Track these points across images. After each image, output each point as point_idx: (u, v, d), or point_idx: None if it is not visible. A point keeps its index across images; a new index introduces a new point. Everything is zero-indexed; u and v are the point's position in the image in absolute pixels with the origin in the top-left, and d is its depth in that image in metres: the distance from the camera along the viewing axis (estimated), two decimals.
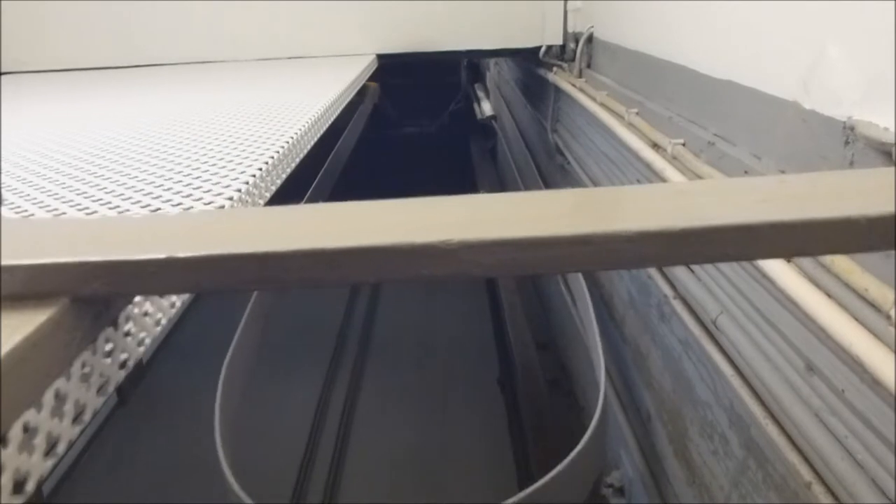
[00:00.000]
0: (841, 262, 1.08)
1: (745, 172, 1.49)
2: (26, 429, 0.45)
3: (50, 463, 0.47)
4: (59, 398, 0.48)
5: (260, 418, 4.01)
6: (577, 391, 3.46)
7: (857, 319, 1.04)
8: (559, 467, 1.48)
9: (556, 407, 3.48)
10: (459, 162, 7.32)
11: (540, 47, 3.32)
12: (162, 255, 0.48)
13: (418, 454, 3.84)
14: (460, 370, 4.57)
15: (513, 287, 4.52)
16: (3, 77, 2.99)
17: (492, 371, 4.50)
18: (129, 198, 0.91)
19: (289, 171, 1.22)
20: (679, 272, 1.82)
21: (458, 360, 4.67)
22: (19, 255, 0.48)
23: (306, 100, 1.80)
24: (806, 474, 1.20)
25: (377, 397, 4.42)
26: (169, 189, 0.94)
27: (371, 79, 2.81)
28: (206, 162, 1.10)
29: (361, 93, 2.94)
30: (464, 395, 4.32)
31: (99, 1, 3.06)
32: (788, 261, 1.21)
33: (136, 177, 1.03)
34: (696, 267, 1.71)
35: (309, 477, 3.70)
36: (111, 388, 0.55)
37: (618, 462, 2.62)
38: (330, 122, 1.77)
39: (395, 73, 6.04)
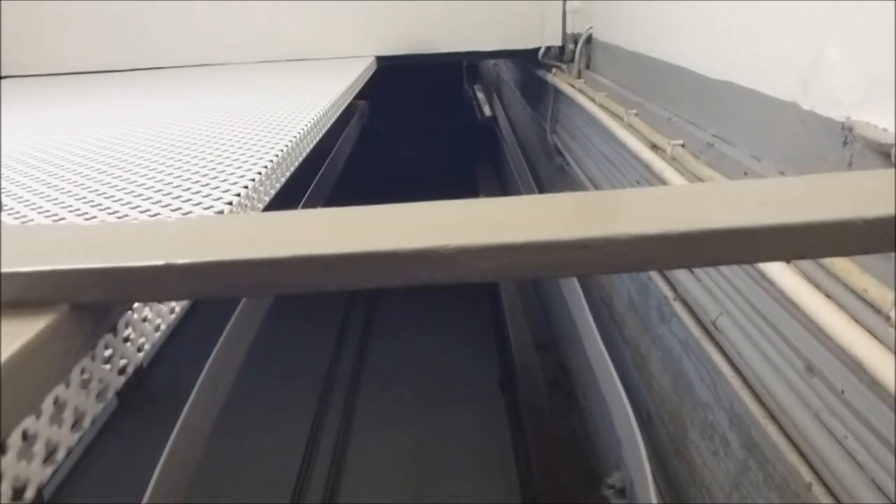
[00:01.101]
0: (840, 263, 1.08)
1: (745, 174, 1.49)
2: (25, 436, 0.45)
3: (49, 470, 0.47)
4: (59, 405, 0.48)
5: (257, 422, 4.03)
6: (578, 391, 3.45)
7: (856, 320, 1.04)
8: None
9: (556, 407, 3.48)
10: (461, 171, 6.57)
11: (539, 48, 3.32)
12: (161, 262, 0.48)
13: (419, 455, 3.85)
14: (461, 371, 4.58)
15: (513, 288, 4.52)
16: (2, 81, 2.99)
17: (492, 372, 4.50)
18: (128, 203, 0.91)
19: (288, 174, 1.22)
20: (679, 273, 1.82)
21: (458, 362, 4.68)
22: (18, 261, 0.48)
23: (305, 102, 1.80)
24: (806, 475, 1.20)
25: (377, 398, 4.42)
26: (168, 194, 0.94)
27: (360, 95, 2.65)
28: (205, 166, 1.10)
29: (348, 111, 2.79)
30: (464, 396, 4.32)
31: (98, 4, 3.06)
32: (788, 262, 1.21)
33: (135, 181, 1.03)
34: (695, 268, 1.71)
35: (309, 476, 3.72)
36: (110, 395, 0.55)
37: (619, 462, 2.62)
38: (330, 125, 1.77)
39: (389, 86, 5.21)
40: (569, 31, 3.23)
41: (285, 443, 3.93)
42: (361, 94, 2.67)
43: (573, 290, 2.35)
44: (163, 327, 0.65)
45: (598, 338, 2.03)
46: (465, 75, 7.63)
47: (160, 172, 1.08)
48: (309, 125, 1.47)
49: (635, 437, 1.60)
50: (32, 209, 0.91)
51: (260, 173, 1.03)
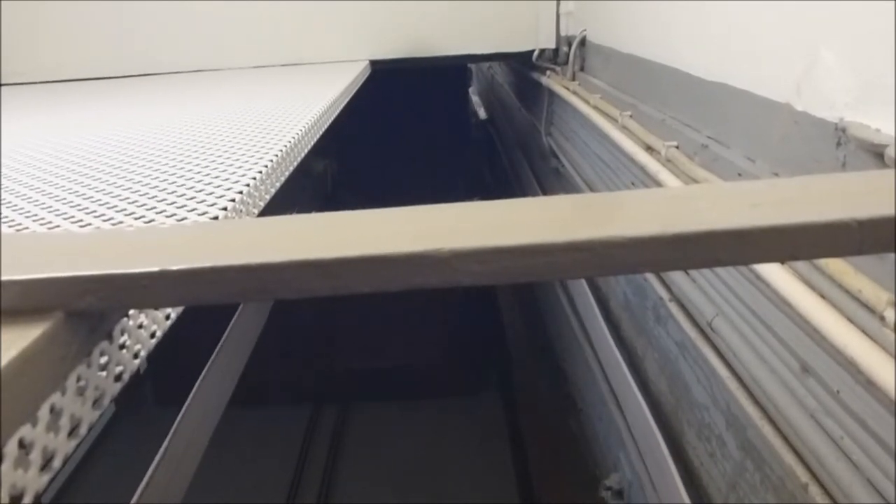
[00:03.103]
0: (835, 264, 1.08)
1: (739, 175, 1.50)
2: (22, 444, 0.45)
3: (46, 478, 0.47)
4: (55, 413, 0.48)
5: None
6: (575, 394, 3.45)
7: (851, 321, 1.05)
8: None
9: (554, 410, 3.48)
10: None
11: (533, 51, 3.32)
12: (156, 269, 0.48)
13: (417, 456, 3.85)
14: (459, 373, 4.58)
15: (510, 291, 4.53)
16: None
17: (491, 375, 4.50)
18: (123, 209, 0.91)
19: (283, 179, 1.22)
20: (675, 275, 1.82)
21: (457, 364, 4.68)
22: (13, 269, 0.48)
23: (299, 107, 1.80)
24: (802, 475, 1.21)
25: (374, 401, 4.42)
26: (162, 200, 0.94)
27: (323, 148, 2.00)
28: (199, 172, 1.10)
29: (304, 171, 2.24)
30: (463, 398, 4.32)
31: (93, 11, 3.06)
32: (782, 263, 1.21)
33: (129, 188, 1.03)
34: (691, 270, 1.71)
35: (307, 460, 3.75)
36: (107, 402, 0.55)
37: (616, 464, 2.62)
38: (324, 129, 1.76)
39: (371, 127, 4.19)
40: (563, 33, 3.23)
41: (286, 421, 4.12)
42: (323, 151, 2.13)
43: (581, 291, 2.35)
44: (158, 334, 0.65)
45: (609, 337, 2.03)
46: (465, 95, 7.42)
47: (154, 179, 1.08)
48: (302, 132, 1.47)
49: (656, 437, 1.60)
50: (26, 217, 0.91)
51: (255, 178, 1.03)
